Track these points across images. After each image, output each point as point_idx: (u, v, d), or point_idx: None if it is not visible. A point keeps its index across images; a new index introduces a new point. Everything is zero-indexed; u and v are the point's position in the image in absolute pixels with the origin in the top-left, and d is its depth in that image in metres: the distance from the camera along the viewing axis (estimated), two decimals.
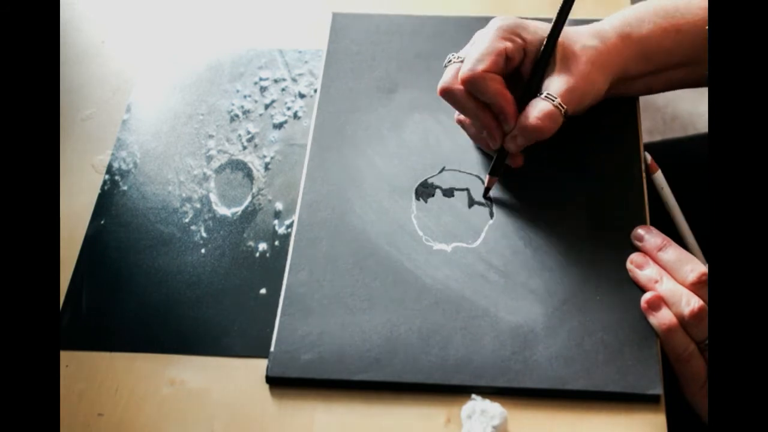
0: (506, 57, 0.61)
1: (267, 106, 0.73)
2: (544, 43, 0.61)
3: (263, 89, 0.74)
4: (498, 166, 0.64)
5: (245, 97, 0.74)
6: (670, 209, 0.67)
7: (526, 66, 0.63)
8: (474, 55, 0.60)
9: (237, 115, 0.73)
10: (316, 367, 0.58)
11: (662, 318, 0.57)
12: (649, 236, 0.60)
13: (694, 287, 0.57)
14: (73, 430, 0.58)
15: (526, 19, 0.64)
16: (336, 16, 0.76)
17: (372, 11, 0.77)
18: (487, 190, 0.65)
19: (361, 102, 0.71)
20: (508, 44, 0.61)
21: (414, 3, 0.79)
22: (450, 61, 0.63)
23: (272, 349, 0.59)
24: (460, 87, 0.61)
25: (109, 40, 0.79)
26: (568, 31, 0.62)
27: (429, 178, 0.66)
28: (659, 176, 0.66)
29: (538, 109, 0.60)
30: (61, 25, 0.80)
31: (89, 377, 0.60)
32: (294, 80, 0.75)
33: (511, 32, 0.61)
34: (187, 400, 0.59)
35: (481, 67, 0.59)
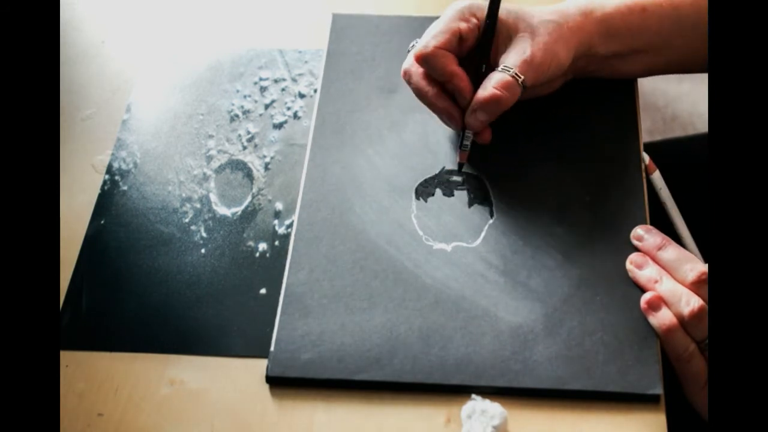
0: (460, 36, 0.62)
1: (267, 106, 0.73)
2: (487, 7, 0.62)
3: (263, 89, 0.74)
4: (464, 140, 0.64)
5: (245, 97, 0.74)
6: (668, 210, 0.67)
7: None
8: (428, 35, 0.62)
9: (237, 115, 0.73)
10: (316, 366, 0.58)
11: (662, 318, 0.57)
12: (649, 236, 0.60)
13: (694, 286, 0.57)
14: (73, 430, 0.58)
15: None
16: (336, 17, 0.76)
17: (372, 12, 0.77)
18: (460, 165, 0.65)
19: (361, 102, 0.71)
20: (462, 24, 0.62)
21: (414, 3, 0.79)
22: (413, 46, 0.64)
23: (272, 348, 0.59)
24: (418, 69, 0.63)
25: (109, 40, 0.79)
26: (526, 8, 0.63)
27: (429, 177, 0.66)
28: (657, 176, 0.66)
29: (494, 80, 0.61)
30: (61, 25, 0.80)
31: (89, 377, 0.60)
32: (294, 80, 0.75)
33: (467, 13, 0.62)
34: (186, 400, 0.59)
35: (433, 44, 0.61)
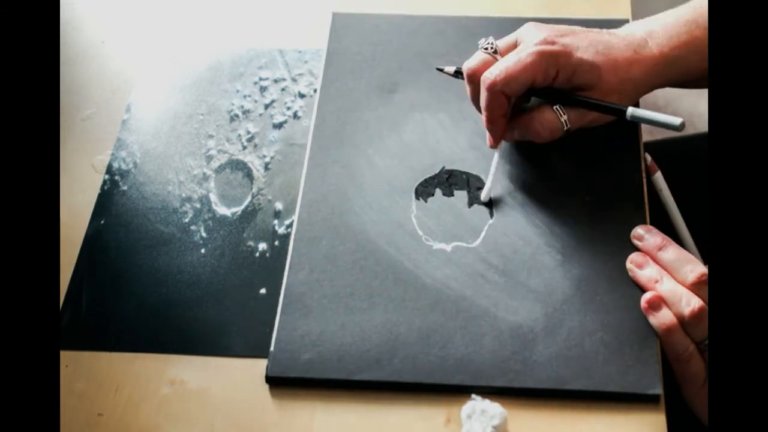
0: (531, 83, 0.61)
1: (267, 106, 0.73)
2: (576, 100, 0.62)
3: (263, 89, 0.74)
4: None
5: (245, 97, 0.74)
6: (668, 210, 0.67)
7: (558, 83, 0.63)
8: (501, 70, 0.61)
9: (237, 115, 0.73)
10: (315, 366, 0.58)
11: (662, 318, 0.57)
12: (649, 236, 0.60)
13: (694, 287, 0.57)
14: (73, 430, 0.58)
15: (567, 27, 0.63)
16: (336, 16, 0.76)
17: (372, 11, 0.77)
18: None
19: (361, 102, 0.71)
20: (538, 76, 0.61)
21: (414, 3, 0.79)
22: (486, 48, 0.64)
23: (272, 348, 0.59)
24: (477, 78, 0.63)
25: (109, 40, 0.79)
26: (613, 53, 0.62)
27: (429, 177, 0.66)
28: (659, 177, 0.66)
29: (544, 116, 0.62)
30: (61, 25, 0.80)
31: (89, 377, 0.60)
32: (294, 80, 0.75)
33: (552, 65, 0.61)
34: (187, 400, 0.59)
35: (500, 88, 0.61)
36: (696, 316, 0.56)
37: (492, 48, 0.63)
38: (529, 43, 0.62)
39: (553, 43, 0.61)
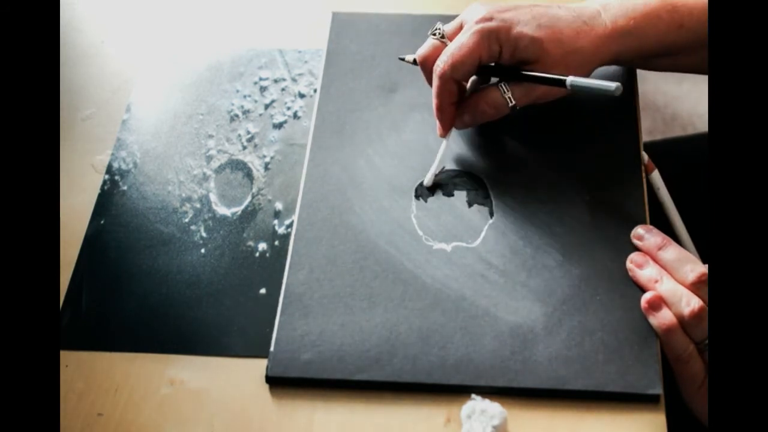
0: (478, 62, 0.62)
1: (267, 106, 0.73)
2: (515, 73, 0.63)
3: (263, 89, 0.74)
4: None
5: (245, 97, 0.74)
6: (666, 210, 0.67)
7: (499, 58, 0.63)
8: (447, 56, 0.62)
9: (237, 115, 0.73)
10: (315, 366, 0.58)
11: (662, 318, 0.57)
12: (649, 235, 0.60)
13: (694, 287, 0.57)
14: (73, 430, 0.58)
15: (511, 3, 0.63)
16: (336, 16, 0.76)
17: (372, 11, 0.77)
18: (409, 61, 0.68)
19: (361, 102, 0.71)
20: (482, 53, 0.62)
21: (414, 2, 0.79)
22: (434, 33, 0.65)
23: (272, 348, 0.59)
24: (430, 66, 0.64)
25: (109, 40, 0.79)
26: (558, 25, 0.62)
27: None
28: (656, 176, 0.66)
29: (489, 96, 0.63)
30: (61, 25, 0.80)
31: (89, 377, 0.60)
32: (294, 80, 0.75)
33: (493, 40, 0.61)
34: (187, 400, 0.59)
35: (450, 74, 0.62)
36: (696, 316, 0.56)
37: (440, 33, 0.65)
38: (470, 23, 0.62)
39: (491, 19, 0.62)
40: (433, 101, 0.64)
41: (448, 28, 0.65)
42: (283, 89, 0.74)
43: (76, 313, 0.63)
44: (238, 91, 0.74)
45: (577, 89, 0.61)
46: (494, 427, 0.55)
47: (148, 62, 0.77)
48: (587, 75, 0.63)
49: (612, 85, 0.58)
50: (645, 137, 0.68)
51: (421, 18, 0.76)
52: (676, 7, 0.63)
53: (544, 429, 0.56)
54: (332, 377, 0.58)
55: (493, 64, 0.64)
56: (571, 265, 0.61)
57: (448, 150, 0.67)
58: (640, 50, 0.63)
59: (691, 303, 0.56)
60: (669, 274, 0.58)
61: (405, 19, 0.76)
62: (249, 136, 0.72)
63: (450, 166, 0.67)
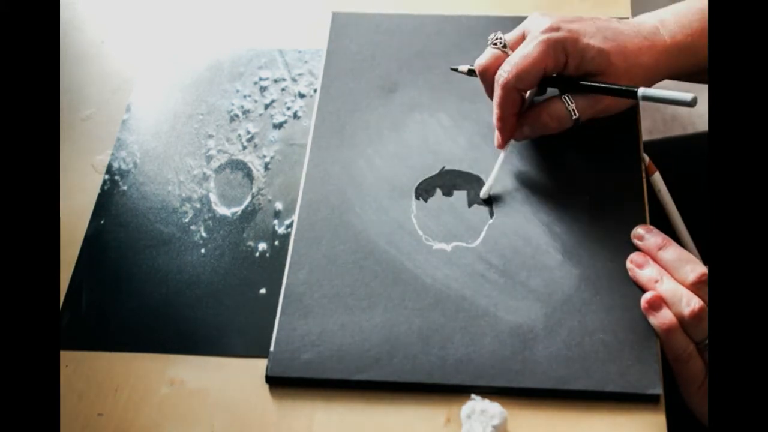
0: (543, 73, 0.61)
1: (267, 106, 0.73)
2: (583, 84, 0.62)
3: (263, 89, 0.74)
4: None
5: (245, 97, 0.74)
6: (668, 212, 0.67)
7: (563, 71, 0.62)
8: (512, 66, 0.61)
9: (237, 115, 0.73)
10: (315, 366, 0.58)
11: (662, 318, 0.57)
12: (650, 236, 0.60)
13: (694, 287, 0.57)
14: (73, 430, 0.58)
15: (573, 15, 0.63)
16: (336, 16, 0.76)
17: (372, 10, 0.77)
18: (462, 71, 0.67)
19: (361, 102, 0.71)
20: (548, 63, 0.61)
21: (414, 2, 0.79)
22: (495, 43, 0.64)
23: (272, 348, 0.59)
24: (491, 76, 0.63)
25: (109, 40, 0.79)
26: (622, 39, 0.61)
27: (429, 177, 0.66)
28: (657, 178, 0.66)
29: (552, 108, 0.62)
30: (61, 25, 0.80)
31: (89, 377, 0.60)
32: (294, 80, 0.75)
33: (559, 50, 0.60)
34: (186, 400, 0.59)
35: (514, 84, 0.61)
36: (696, 316, 0.56)
37: (501, 43, 0.64)
38: (535, 33, 0.61)
39: (558, 29, 0.61)
40: (495, 111, 0.63)
41: (509, 37, 0.64)
42: (283, 89, 0.74)
43: (76, 313, 0.63)
44: (238, 91, 0.74)
45: (649, 100, 0.60)
46: (494, 427, 0.55)
47: (148, 62, 0.77)
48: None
49: (688, 96, 0.57)
50: (645, 137, 0.68)
51: (421, 18, 0.76)
52: None
53: (544, 429, 0.56)
54: (332, 377, 0.58)
55: (554, 75, 0.63)
56: (571, 265, 0.61)
57: (449, 150, 0.67)
58: (698, 65, 0.63)
59: (691, 303, 0.56)
60: (669, 275, 0.58)
61: (405, 19, 0.76)
62: (249, 136, 0.72)
63: (450, 166, 0.67)
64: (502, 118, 0.63)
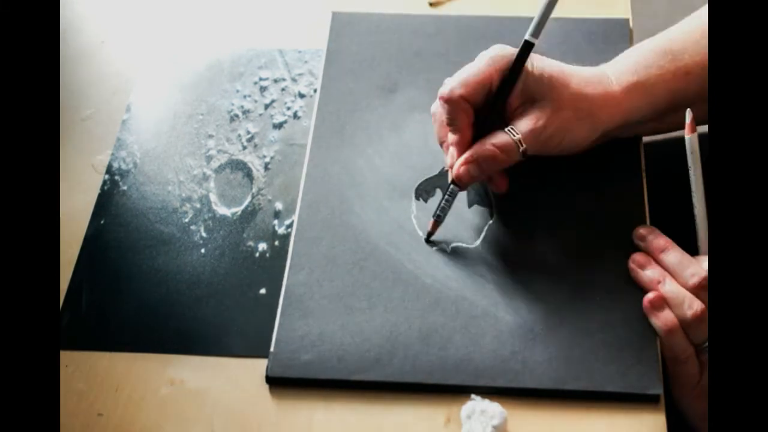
0: (490, 87, 0.60)
1: (267, 106, 0.73)
2: (507, 71, 0.60)
3: (263, 89, 0.74)
4: (444, 209, 0.62)
5: (245, 97, 0.74)
6: (690, 176, 0.62)
7: (511, 98, 0.61)
8: (458, 78, 0.60)
9: (237, 115, 0.73)
10: (315, 367, 0.58)
11: (664, 319, 0.57)
12: (652, 237, 0.60)
13: (696, 291, 0.57)
14: (73, 430, 0.58)
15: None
16: (336, 16, 0.76)
17: (372, 10, 0.77)
18: (429, 234, 0.63)
19: (361, 102, 0.71)
20: (495, 77, 0.60)
21: (414, 2, 0.78)
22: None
23: (272, 349, 0.59)
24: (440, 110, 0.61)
25: (109, 40, 0.79)
26: (567, 70, 0.61)
27: (429, 177, 0.66)
28: (693, 138, 0.61)
29: (496, 138, 0.60)
30: (61, 25, 0.80)
31: (89, 377, 0.60)
32: (294, 80, 0.75)
33: (502, 63, 0.60)
34: (186, 400, 0.59)
35: (458, 93, 0.59)
36: (698, 318, 0.56)
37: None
38: (483, 54, 0.61)
39: (504, 48, 0.61)
40: (450, 132, 0.60)
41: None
42: (283, 89, 0.74)
43: (76, 313, 0.63)
44: (238, 91, 0.74)
45: (537, 34, 0.59)
46: (494, 427, 0.55)
47: (148, 62, 0.77)
48: (595, 134, 0.62)
49: None
50: (645, 137, 0.68)
51: (421, 18, 0.76)
52: (677, 57, 0.62)
53: (544, 429, 0.56)
54: (332, 377, 0.58)
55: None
56: (571, 265, 0.61)
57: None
58: (652, 105, 0.62)
59: (693, 306, 0.56)
60: (671, 277, 0.58)
61: (405, 19, 0.76)
62: (249, 136, 0.72)
63: None
64: (456, 130, 0.60)
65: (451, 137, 0.61)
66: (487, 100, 0.61)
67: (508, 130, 0.60)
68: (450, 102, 0.59)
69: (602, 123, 0.61)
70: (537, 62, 0.61)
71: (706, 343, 0.56)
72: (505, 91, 0.60)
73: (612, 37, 0.72)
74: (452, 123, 0.60)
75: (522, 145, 0.59)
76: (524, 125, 0.60)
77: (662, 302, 0.57)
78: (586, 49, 0.72)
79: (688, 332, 0.57)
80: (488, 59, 0.60)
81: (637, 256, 0.60)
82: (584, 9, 0.76)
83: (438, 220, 0.62)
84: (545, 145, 0.60)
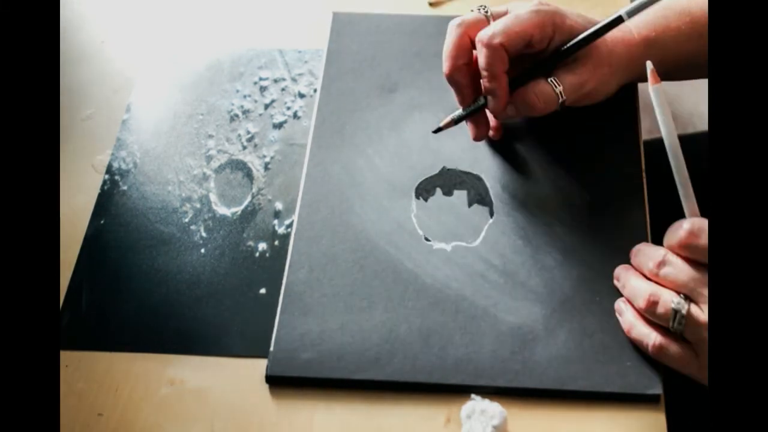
0: (530, 42, 0.61)
1: (267, 106, 0.73)
2: (572, 43, 0.62)
3: (263, 89, 0.74)
4: (467, 116, 0.64)
5: (245, 96, 0.74)
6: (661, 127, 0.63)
7: (546, 52, 0.63)
8: (500, 26, 0.61)
9: (237, 115, 0.73)
10: (315, 366, 0.58)
11: (623, 320, 0.58)
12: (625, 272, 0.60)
13: (654, 275, 0.56)
14: (73, 430, 0.58)
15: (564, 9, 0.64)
16: (336, 16, 0.76)
17: (372, 10, 0.77)
18: (439, 129, 0.65)
19: (361, 102, 0.71)
20: (536, 32, 0.61)
21: (414, 2, 0.79)
22: (479, 9, 0.64)
23: (272, 348, 0.59)
24: (468, 36, 0.63)
25: (109, 40, 0.79)
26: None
27: (429, 177, 0.66)
28: (656, 89, 0.59)
29: (539, 88, 0.62)
30: (61, 25, 0.80)
31: (89, 377, 0.60)
32: (294, 80, 0.75)
33: (548, 22, 0.61)
34: (186, 399, 0.59)
35: (499, 40, 0.60)
36: (649, 303, 0.55)
37: (485, 9, 0.64)
38: (526, 5, 0.62)
39: (547, 5, 0.62)
40: (483, 75, 0.61)
41: (493, 9, 0.64)
42: (283, 89, 0.74)
43: (76, 313, 0.63)
44: (238, 91, 0.74)
45: (634, 13, 0.61)
46: (494, 427, 0.55)
47: (148, 62, 0.77)
48: (622, 83, 0.65)
49: None
50: (645, 137, 0.68)
51: (421, 18, 0.76)
52: (695, 18, 0.65)
53: (544, 429, 0.56)
54: (332, 377, 0.58)
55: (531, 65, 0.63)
56: (571, 266, 0.61)
57: (449, 150, 0.67)
58: (663, 60, 0.64)
59: (644, 295, 0.56)
60: (635, 274, 0.58)
61: (405, 19, 0.76)
62: (249, 136, 0.72)
63: (450, 166, 0.67)
64: (492, 76, 0.61)
65: (489, 84, 0.61)
66: (523, 52, 0.62)
67: (552, 81, 0.62)
68: (489, 47, 0.60)
69: (628, 75, 0.65)
70: (575, 18, 0.63)
71: (674, 322, 0.55)
72: (572, 50, 0.62)
73: None
74: (489, 69, 0.61)
75: (562, 97, 0.62)
76: (568, 80, 0.62)
77: (624, 306, 0.58)
78: None
79: (652, 320, 0.56)
80: (531, 13, 0.61)
81: (616, 270, 0.60)
82: (584, 8, 0.76)
83: (454, 120, 0.65)
84: (583, 98, 0.64)
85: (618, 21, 0.61)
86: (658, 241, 0.62)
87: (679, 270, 0.55)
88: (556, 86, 0.62)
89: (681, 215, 0.68)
